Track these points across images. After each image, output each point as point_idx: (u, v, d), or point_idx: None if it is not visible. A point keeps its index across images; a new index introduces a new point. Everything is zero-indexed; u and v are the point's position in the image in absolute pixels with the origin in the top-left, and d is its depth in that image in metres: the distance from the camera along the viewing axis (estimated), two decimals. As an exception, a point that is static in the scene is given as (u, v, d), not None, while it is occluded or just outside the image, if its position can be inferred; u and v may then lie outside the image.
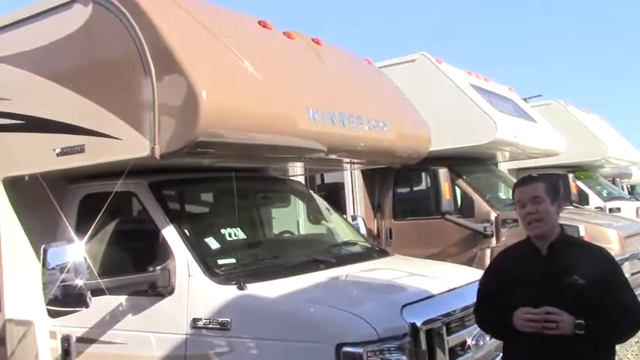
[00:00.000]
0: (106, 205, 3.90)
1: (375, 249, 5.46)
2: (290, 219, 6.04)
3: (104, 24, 3.89)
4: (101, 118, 3.81)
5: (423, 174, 8.51)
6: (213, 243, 4.28)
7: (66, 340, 4.22)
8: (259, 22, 4.58)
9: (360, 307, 3.55)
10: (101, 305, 3.91)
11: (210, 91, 3.45)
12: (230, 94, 3.69)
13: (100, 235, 4.26)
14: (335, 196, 8.31)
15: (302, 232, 6.03)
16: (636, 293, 7.74)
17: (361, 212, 8.46)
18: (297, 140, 4.15)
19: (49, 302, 3.51)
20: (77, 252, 3.54)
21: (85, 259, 3.56)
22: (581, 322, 2.74)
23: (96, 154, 3.87)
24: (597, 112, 15.16)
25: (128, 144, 3.69)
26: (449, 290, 4.09)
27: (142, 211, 4.29)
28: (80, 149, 3.92)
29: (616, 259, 7.46)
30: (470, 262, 7.21)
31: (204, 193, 5.22)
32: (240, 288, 3.70)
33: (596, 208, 11.82)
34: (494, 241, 7.80)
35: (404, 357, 3.39)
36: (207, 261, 3.96)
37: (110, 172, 4.15)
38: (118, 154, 3.76)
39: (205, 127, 3.44)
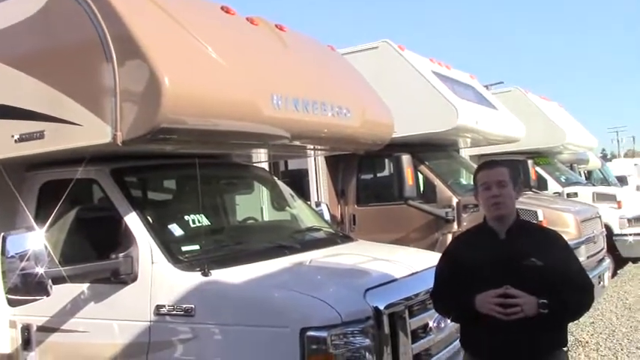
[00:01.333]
0: (66, 192, 3.85)
1: (339, 235, 5.51)
2: (254, 205, 6.04)
3: (64, 8, 3.83)
4: (61, 104, 3.75)
5: (386, 160, 8.59)
6: (176, 230, 4.26)
7: (26, 329, 4.16)
8: (222, 8, 4.54)
9: (323, 292, 3.58)
10: (62, 293, 3.87)
11: (172, 77, 3.42)
12: (193, 80, 3.66)
13: (60, 223, 4.21)
14: (299, 183, 8.34)
15: (266, 218, 6.04)
16: (593, 274, 8.02)
17: (325, 198, 8.49)
18: (260, 126, 4.14)
19: (9, 291, 3.47)
20: (37, 240, 3.50)
21: (46, 246, 3.52)
22: (545, 301, 2.83)
23: (56, 140, 3.80)
24: (556, 100, 15.49)
25: (89, 130, 3.63)
26: (411, 274, 4.16)
27: (103, 199, 4.24)
28: (39, 135, 3.85)
29: (573, 242, 7.72)
30: (432, 247, 7.30)
31: (167, 180, 5.19)
32: (204, 274, 3.70)
33: (554, 193, 12.07)
34: (455, 225, 7.92)
35: (367, 340, 3.44)
36: (170, 248, 3.94)
37: (71, 159, 4.09)
38: (79, 141, 3.70)
39: (168, 113, 3.42)
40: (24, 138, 3.90)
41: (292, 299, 3.54)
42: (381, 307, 3.56)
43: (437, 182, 8.32)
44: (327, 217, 6.09)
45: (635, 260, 12.43)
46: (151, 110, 3.40)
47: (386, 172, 8.91)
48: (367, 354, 3.43)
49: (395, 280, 3.99)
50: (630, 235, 11.30)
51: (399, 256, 4.78)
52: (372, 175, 9.32)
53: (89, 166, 4.05)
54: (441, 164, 9.02)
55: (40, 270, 3.45)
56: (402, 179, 7.43)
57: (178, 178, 5.12)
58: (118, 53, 3.50)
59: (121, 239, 3.96)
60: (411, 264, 4.33)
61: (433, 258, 3.99)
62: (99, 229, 4.40)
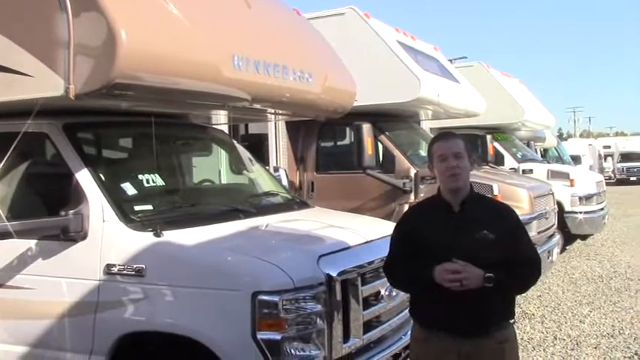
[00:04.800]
0: (14, 146, 3.72)
1: (295, 200, 5.49)
2: (211, 168, 5.97)
3: (16, -48, 3.65)
4: (11, 54, 3.60)
5: (347, 129, 8.55)
6: (129, 189, 4.18)
7: (-30, 284, 4.05)
8: (185, -37, 4.40)
9: (277, 257, 3.58)
10: (8, 249, 3.80)
11: (130, 32, 3.31)
12: (151, 36, 3.55)
13: (9, 177, 4.09)
14: (258, 147, 8.27)
15: (223, 181, 5.98)
16: (543, 249, 8.23)
17: (284, 164, 8.45)
18: (220, 87, 4.06)
19: (-48, 245, 3.35)
20: (-18, 193, 3.38)
21: (-9, 200, 3.41)
22: (490, 275, 2.86)
23: (4, 91, 3.66)
24: (517, 77, 15.67)
25: (41, 82, 3.50)
26: (365, 242, 4.18)
27: (55, 154, 4.12)
28: (-14, 85, 3.70)
29: (525, 217, 7.85)
30: (389, 217, 7.34)
31: (122, 138, 5.05)
32: (157, 235, 3.65)
33: (510, 168, 12.27)
34: (412, 196, 7.97)
35: (319, 306, 3.46)
36: (122, 206, 3.86)
37: (21, 112, 3.94)
38: (29, 93, 3.57)
39: (124, 68, 3.31)
40: (-30, 88, 3.74)
41: (245, 263, 3.52)
42: (334, 274, 3.57)
43: (396, 153, 8.34)
44: (284, 182, 6.06)
45: (583, 237, 12.82)
46: (105, 64, 3.29)
47: (346, 141, 8.89)
48: (318, 319, 3.45)
49: (349, 247, 4.00)
50: (580, 212, 11.63)
51: (354, 224, 4.79)
52: (332, 142, 9.29)
53: (41, 120, 3.92)
54: (401, 135, 9.04)
55: (-16, 224, 3.34)
56: (361, 148, 7.42)
57: (134, 136, 5.00)
58: (72, 3, 3.37)
59: (72, 196, 3.85)
60: (366, 232, 4.35)
61: (388, 227, 4.01)
62: (49, 185, 4.29)
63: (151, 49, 3.50)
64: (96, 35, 3.35)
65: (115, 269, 3.63)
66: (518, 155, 13.29)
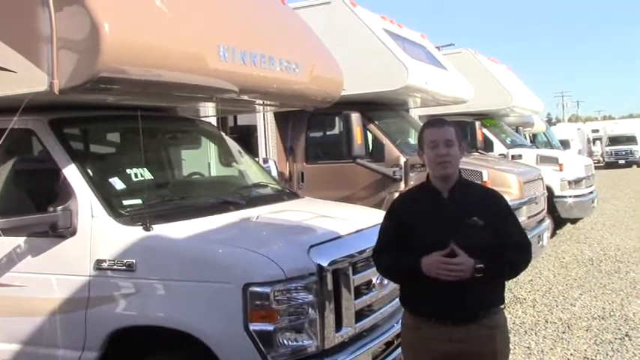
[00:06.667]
0: (1, 143, 3.68)
1: (285, 191, 5.48)
2: (201, 161, 5.95)
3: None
4: (-7, 49, 3.56)
5: (336, 118, 8.55)
6: (118, 183, 4.14)
7: (-40, 283, 4.02)
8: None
9: (267, 248, 3.57)
10: (-3, 246, 3.76)
11: (113, 24, 3.28)
12: (135, 29, 3.52)
13: (-5, 175, 4.05)
14: (247, 139, 8.25)
15: (213, 174, 5.96)
16: (533, 234, 8.27)
17: (274, 155, 8.44)
18: (206, 79, 4.04)
19: (-60, 244, 3.33)
20: (-32, 191, 3.35)
21: (-23, 198, 3.38)
22: (481, 266, 2.85)
23: (-13, 87, 3.62)
24: (504, 62, 15.70)
25: (24, 77, 3.47)
26: (356, 231, 4.17)
27: (41, 150, 4.08)
28: (-31, 82, 3.65)
29: (515, 202, 7.89)
30: (379, 206, 7.34)
31: (110, 133, 5.03)
32: (146, 229, 3.63)
33: (499, 154, 12.31)
34: (402, 185, 7.99)
35: (310, 296, 3.45)
36: (111, 201, 3.84)
37: (5, 108, 3.90)
38: (13, 88, 3.53)
39: (108, 62, 3.28)
40: (-48, 84, 3.70)
41: (235, 255, 3.51)
42: (325, 264, 3.56)
43: (385, 141, 8.34)
44: (274, 173, 6.05)
45: (573, 221, 12.89)
46: (89, 58, 3.26)
47: (335, 130, 8.88)
48: (310, 310, 3.45)
49: (339, 237, 4.00)
50: (570, 196, 11.69)
51: (344, 213, 4.79)
52: (322, 132, 9.29)
53: (26, 116, 3.88)
54: (390, 123, 9.05)
55: (-29, 222, 3.31)
56: (350, 138, 7.43)
57: (121, 130, 4.97)
58: (54, -3, 3.33)
59: (60, 192, 3.82)
60: (356, 221, 4.34)
61: (379, 216, 4.00)
62: (36, 181, 4.26)
63: (134, 41, 3.47)
64: (79, 29, 3.31)
65: (105, 264, 3.61)
66: (507, 141, 13.33)
